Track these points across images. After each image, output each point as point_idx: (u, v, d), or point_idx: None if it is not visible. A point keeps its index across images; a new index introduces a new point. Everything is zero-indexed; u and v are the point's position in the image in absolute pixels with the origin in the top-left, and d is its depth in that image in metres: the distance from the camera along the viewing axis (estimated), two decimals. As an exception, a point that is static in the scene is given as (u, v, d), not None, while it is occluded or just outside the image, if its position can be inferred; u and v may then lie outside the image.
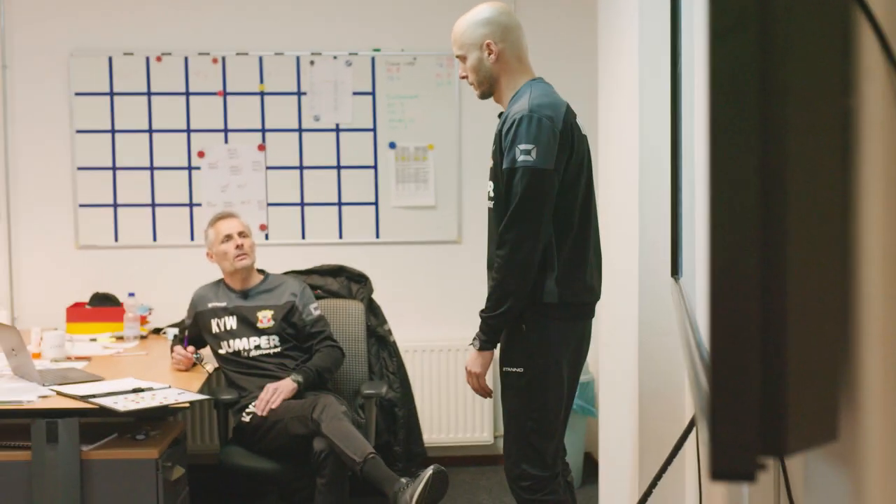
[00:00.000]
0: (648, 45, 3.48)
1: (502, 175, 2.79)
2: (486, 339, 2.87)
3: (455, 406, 4.93)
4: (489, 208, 2.93)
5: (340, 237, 4.96)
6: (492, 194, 2.88)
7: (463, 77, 2.96)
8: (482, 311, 2.87)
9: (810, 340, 1.12)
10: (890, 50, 1.07)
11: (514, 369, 2.85)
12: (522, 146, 2.71)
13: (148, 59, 4.84)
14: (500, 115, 2.95)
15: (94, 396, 3.37)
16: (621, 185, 3.78)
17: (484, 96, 2.97)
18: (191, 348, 3.98)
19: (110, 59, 4.83)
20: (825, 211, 1.09)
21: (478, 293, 4.72)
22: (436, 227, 4.99)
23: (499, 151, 2.82)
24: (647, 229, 3.52)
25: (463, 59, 2.93)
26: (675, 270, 2.30)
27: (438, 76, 4.95)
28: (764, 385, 1.09)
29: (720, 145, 1.03)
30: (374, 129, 4.95)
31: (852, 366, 1.18)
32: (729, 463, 1.09)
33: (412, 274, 4.97)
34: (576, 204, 2.85)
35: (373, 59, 4.93)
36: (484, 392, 3.02)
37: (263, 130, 4.92)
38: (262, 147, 4.91)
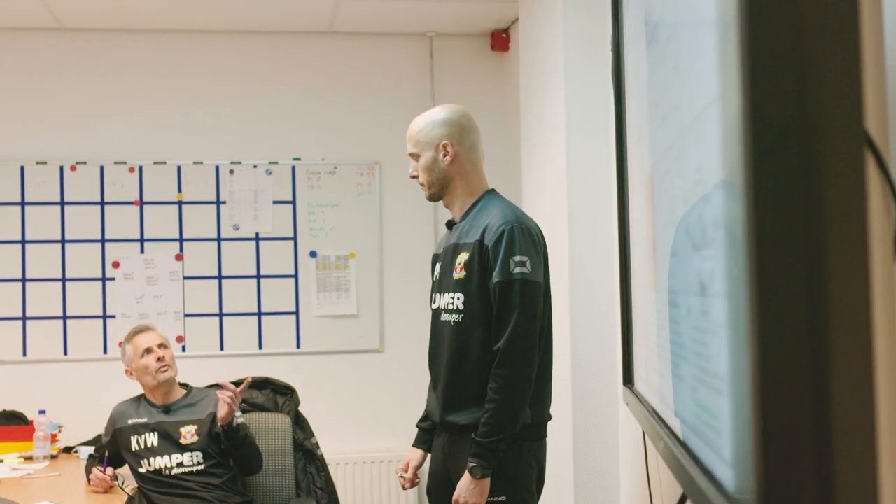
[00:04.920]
0: (577, 120, 3.54)
1: (493, 288, 2.64)
2: (486, 465, 2.59)
3: (380, 520, 4.80)
4: (450, 321, 2.75)
5: (260, 348, 4.85)
6: (460, 307, 2.72)
7: (413, 177, 2.84)
8: (482, 436, 2.60)
9: (852, 422, 1.11)
10: (889, 177, 1.10)
11: (497, 498, 2.62)
12: (517, 258, 2.60)
13: (62, 168, 4.73)
14: (449, 223, 2.86)
15: (8, 524, 3.17)
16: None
17: (433, 198, 2.84)
18: (109, 470, 3.79)
19: (22, 169, 4.70)
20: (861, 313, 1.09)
21: (402, 403, 4.69)
22: (357, 336, 4.93)
23: (476, 262, 2.68)
24: (578, 339, 3.53)
25: (416, 157, 2.81)
26: (628, 379, 2.30)
27: (359, 185, 4.96)
28: (818, 478, 1.07)
29: (769, 267, 1.02)
30: (294, 238, 4.91)
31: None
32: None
33: (335, 384, 4.88)
34: (547, 317, 2.73)
35: (293, 168, 4.92)
36: None
37: (181, 240, 4.83)
38: (179, 256, 4.82)
